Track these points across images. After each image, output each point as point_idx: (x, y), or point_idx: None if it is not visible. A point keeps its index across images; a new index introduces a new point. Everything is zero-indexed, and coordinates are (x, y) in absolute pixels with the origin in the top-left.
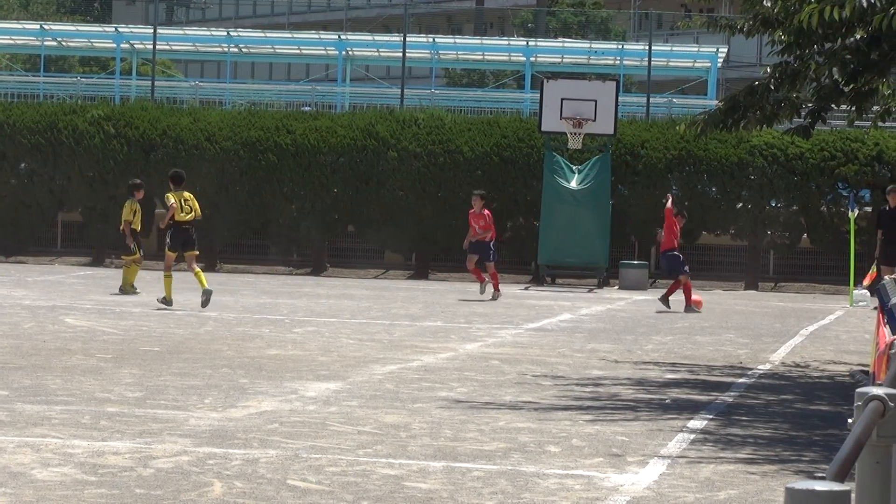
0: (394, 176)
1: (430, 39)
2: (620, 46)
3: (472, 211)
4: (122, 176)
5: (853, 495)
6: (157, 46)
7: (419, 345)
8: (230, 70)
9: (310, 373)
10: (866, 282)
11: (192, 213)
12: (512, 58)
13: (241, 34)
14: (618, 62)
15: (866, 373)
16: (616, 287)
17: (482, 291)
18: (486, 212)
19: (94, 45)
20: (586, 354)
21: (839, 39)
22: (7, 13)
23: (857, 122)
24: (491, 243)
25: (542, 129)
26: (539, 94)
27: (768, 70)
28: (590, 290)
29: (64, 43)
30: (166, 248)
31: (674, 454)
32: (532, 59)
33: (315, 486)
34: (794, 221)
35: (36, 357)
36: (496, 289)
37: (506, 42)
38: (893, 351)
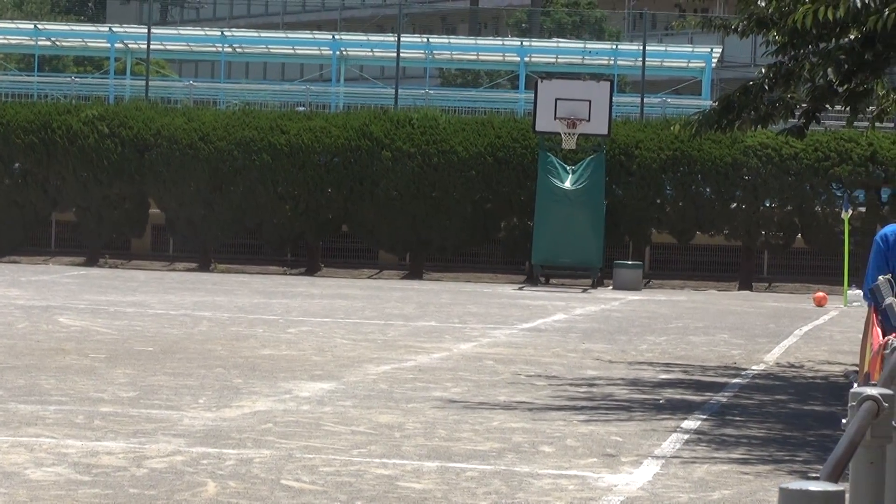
0: (388, 176)
1: (425, 39)
2: (615, 46)
3: None
4: (117, 176)
5: (847, 496)
6: (152, 46)
7: (413, 345)
8: (224, 70)
9: (304, 373)
10: None
11: None
12: (506, 58)
13: (235, 34)
14: (612, 62)
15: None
16: (610, 287)
17: None
18: None
19: (89, 44)
20: (580, 354)
21: (833, 40)
22: (1, 13)
23: (855, 123)
24: None
25: (537, 129)
26: (533, 95)
27: (762, 70)
28: (584, 290)
29: (58, 42)
30: None
31: (668, 454)
32: (526, 59)
33: (309, 486)
34: (788, 222)
35: (30, 357)
36: None
37: (500, 42)
38: (888, 351)
